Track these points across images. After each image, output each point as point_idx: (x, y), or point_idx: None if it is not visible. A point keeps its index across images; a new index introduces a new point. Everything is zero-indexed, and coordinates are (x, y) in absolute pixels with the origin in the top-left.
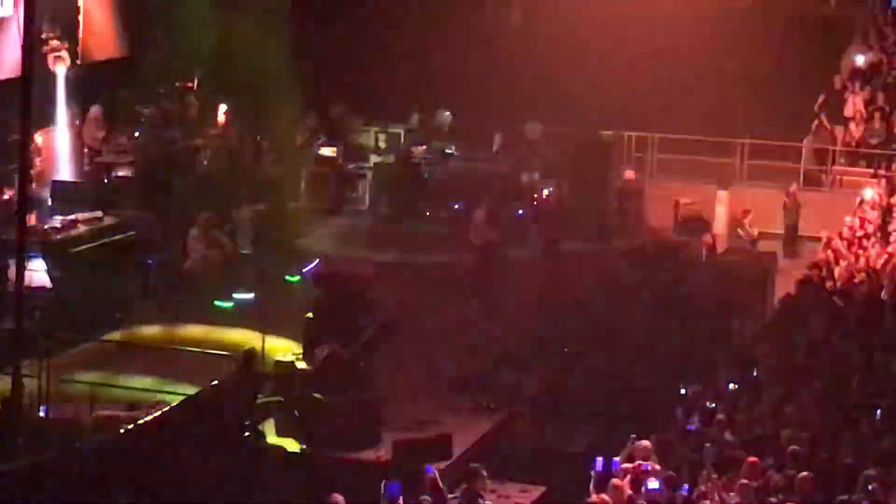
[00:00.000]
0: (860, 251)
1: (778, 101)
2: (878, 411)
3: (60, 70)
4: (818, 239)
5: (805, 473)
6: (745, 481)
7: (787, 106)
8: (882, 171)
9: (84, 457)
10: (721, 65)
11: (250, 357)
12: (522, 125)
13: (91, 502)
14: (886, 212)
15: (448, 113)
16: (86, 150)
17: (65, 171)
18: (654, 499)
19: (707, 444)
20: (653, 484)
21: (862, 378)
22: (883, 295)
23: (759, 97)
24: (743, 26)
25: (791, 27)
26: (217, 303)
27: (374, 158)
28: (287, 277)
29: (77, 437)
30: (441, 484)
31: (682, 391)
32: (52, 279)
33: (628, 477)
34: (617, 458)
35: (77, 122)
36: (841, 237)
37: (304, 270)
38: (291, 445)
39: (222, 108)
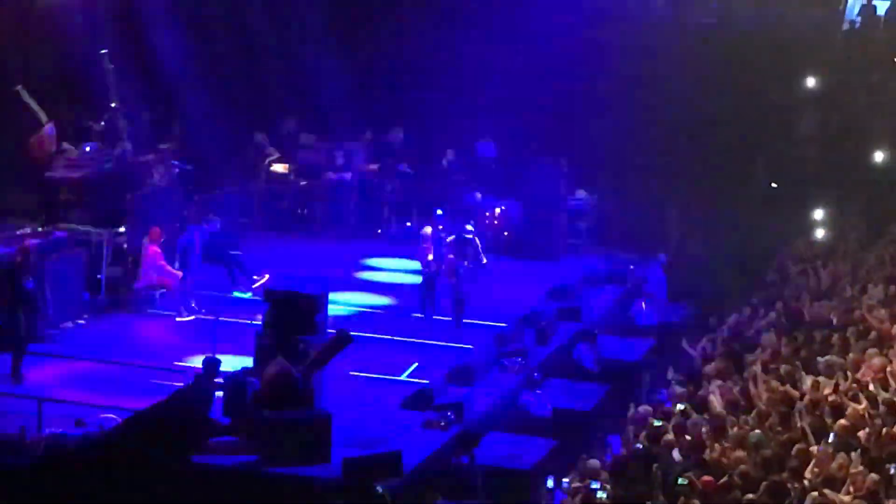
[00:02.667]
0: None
1: None
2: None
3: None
4: None
5: (751, 496)
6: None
7: None
8: None
9: (33, 475)
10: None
11: (211, 367)
12: (475, 143)
13: None
14: None
15: (401, 130)
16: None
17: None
18: None
19: (655, 465)
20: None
21: (811, 400)
22: (831, 315)
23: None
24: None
25: None
26: (235, 293)
27: (327, 175)
28: (235, 293)
29: (26, 454)
30: None
31: (632, 410)
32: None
33: (578, 496)
34: (566, 479)
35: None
36: None
37: (252, 287)
38: (240, 462)
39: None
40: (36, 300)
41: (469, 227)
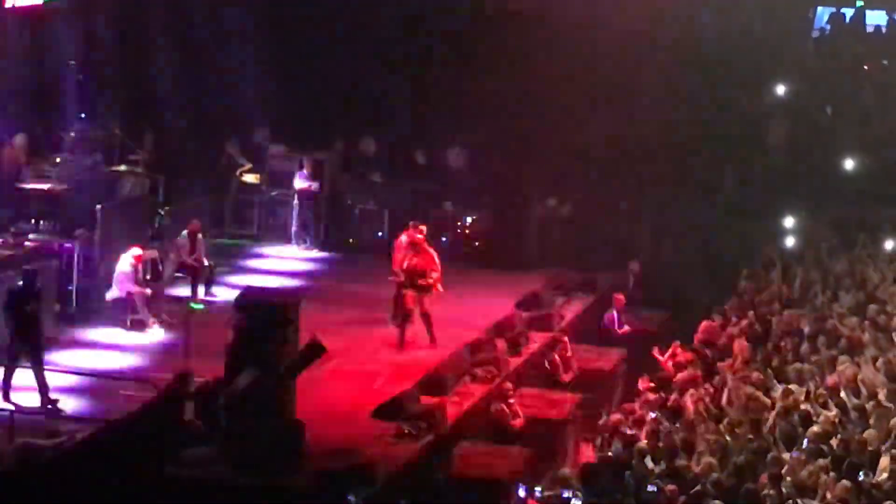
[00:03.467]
0: None
1: None
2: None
3: None
4: None
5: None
6: None
7: None
8: None
9: (3, 484)
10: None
11: (184, 379)
12: (445, 152)
13: None
14: None
15: (372, 140)
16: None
17: None
18: None
19: (627, 473)
20: None
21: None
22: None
23: None
24: None
25: None
26: (191, 304)
27: (297, 185)
28: (191, 305)
29: None
30: None
31: (604, 418)
32: None
33: None
34: (538, 487)
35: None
36: None
37: (207, 299)
38: (212, 472)
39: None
40: (38, 323)
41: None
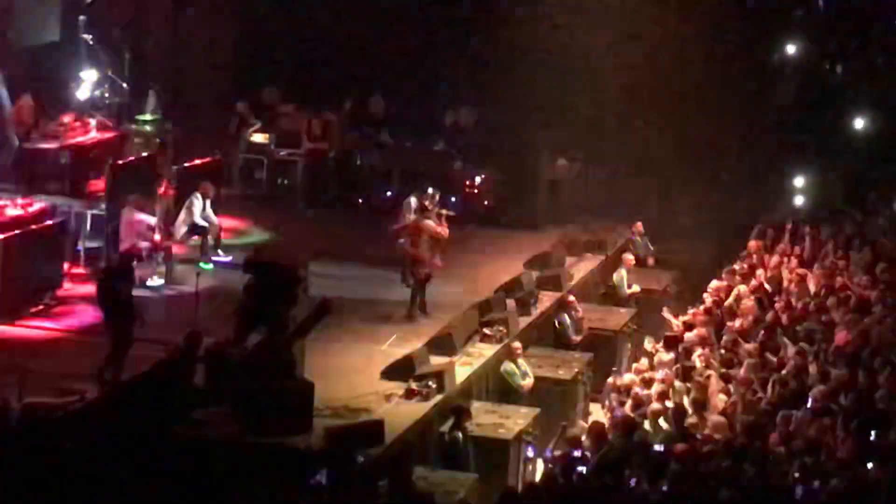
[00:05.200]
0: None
1: None
2: (809, 400)
3: None
4: None
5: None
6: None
7: None
8: None
9: (11, 443)
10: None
11: (193, 339)
12: (455, 110)
13: (22, 490)
14: None
15: (381, 99)
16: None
17: None
18: (584, 483)
19: (635, 433)
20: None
21: (791, 366)
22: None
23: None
24: None
25: None
26: (200, 265)
27: (306, 145)
28: (200, 265)
29: (5, 424)
30: None
31: (613, 378)
32: None
33: (559, 464)
34: (548, 447)
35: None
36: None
37: (216, 259)
38: (222, 432)
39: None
40: (132, 307)
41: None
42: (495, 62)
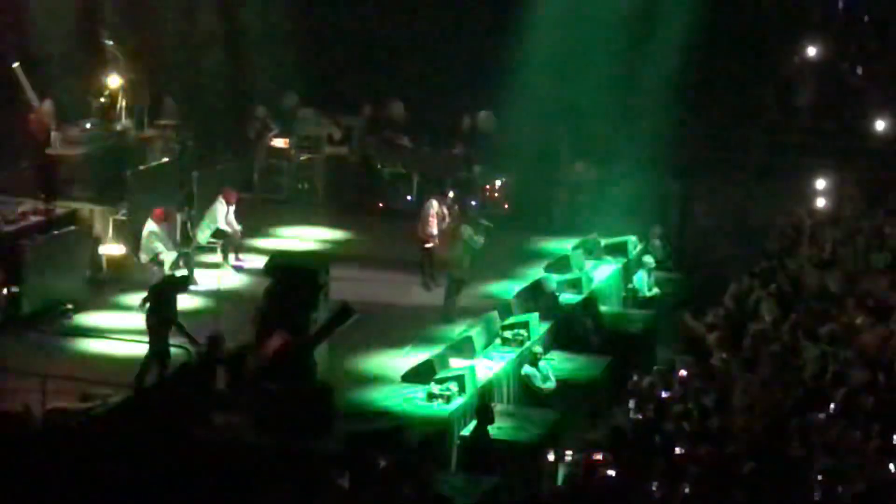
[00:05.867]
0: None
1: None
2: (831, 403)
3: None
4: None
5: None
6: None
7: None
8: None
9: (35, 448)
10: None
11: (215, 343)
12: (474, 115)
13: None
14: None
15: (400, 103)
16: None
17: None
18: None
19: (657, 435)
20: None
21: (812, 368)
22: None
23: None
24: None
25: None
26: (222, 269)
27: (326, 150)
28: (222, 269)
29: (28, 429)
30: None
31: (633, 381)
32: (2, 270)
33: (580, 468)
34: (569, 451)
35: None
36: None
37: (237, 264)
38: (242, 436)
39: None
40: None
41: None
42: (514, 66)
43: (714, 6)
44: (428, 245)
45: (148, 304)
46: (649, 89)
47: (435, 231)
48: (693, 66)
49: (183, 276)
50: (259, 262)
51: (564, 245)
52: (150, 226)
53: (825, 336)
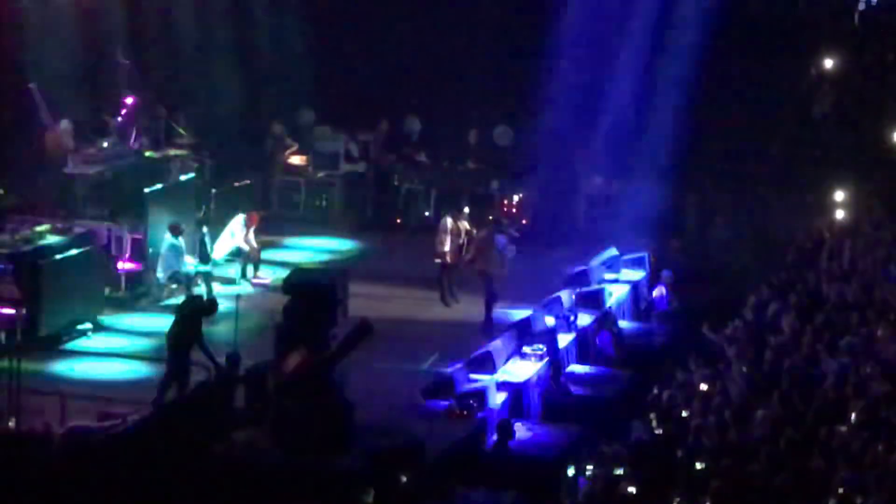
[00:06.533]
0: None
1: None
2: (852, 415)
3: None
4: None
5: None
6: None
7: None
8: None
9: (56, 468)
10: None
11: (235, 360)
12: (492, 130)
13: None
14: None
15: (416, 119)
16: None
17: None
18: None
19: (679, 450)
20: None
21: (833, 381)
22: (850, 298)
23: None
24: None
25: None
26: (240, 287)
27: (343, 167)
28: (240, 287)
29: (47, 449)
30: None
31: (654, 396)
32: (20, 290)
33: (600, 483)
34: (589, 466)
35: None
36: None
37: (256, 281)
38: (262, 454)
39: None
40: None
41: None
42: (531, 80)
43: (731, 19)
44: (437, 261)
45: (173, 323)
46: (666, 102)
47: (447, 248)
48: (710, 78)
49: (211, 300)
50: (277, 279)
51: (583, 259)
52: (169, 241)
53: (845, 348)
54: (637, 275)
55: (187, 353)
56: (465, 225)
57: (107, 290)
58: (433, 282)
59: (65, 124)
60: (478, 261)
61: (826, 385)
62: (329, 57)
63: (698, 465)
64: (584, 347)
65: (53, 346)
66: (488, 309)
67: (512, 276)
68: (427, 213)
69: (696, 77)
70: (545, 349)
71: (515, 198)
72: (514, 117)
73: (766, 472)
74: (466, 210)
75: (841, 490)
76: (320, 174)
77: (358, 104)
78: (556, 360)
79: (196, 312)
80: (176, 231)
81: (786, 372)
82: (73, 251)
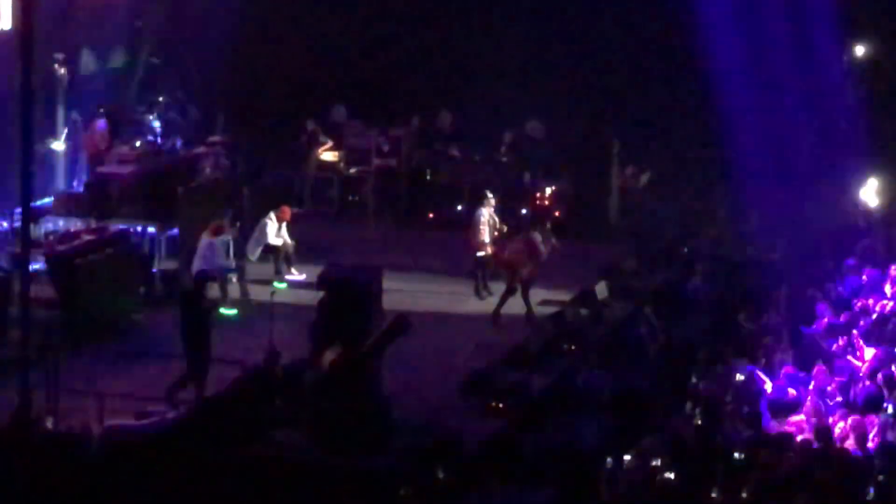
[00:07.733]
0: None
1: None
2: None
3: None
4: None
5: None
6: None
7: None
8: None
9: (94, 467)
10: None
11: (272, 358)
12: (525, 124)
13: None
14: None
15: (448, 113)
16: (87, 160)
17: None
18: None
19: (717, 440)
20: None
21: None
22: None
23: None
24: None
25: None
26: (275, 284)
27: (376, 162)
28: (275, 284)
29: (86, 448)
30: None
31: (691, 387)
32: (57, 290)
33: (638, 475)
34: (626, 458)
35: (80, 133)
36: None
37: (290, 278)
38: (300, 452)
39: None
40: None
41: None
42: (562, 73)
43: (761, 10)
44: (480, 253)
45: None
46: (701, 95)
47: (487, 239)
48: (743, 69)
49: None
50: (312, 275)
51: (615, 251)
52: (208, 239)
53: (882, 336)
54: (669, 266)
55: (208, 348)
56: (493, 214)
57: (143, 290)
58: (468, 275)
59: (100, 124)
60: (526, 265)
61: (863, 373)
62: (360, 53)
63: (737, 456)
64: (619, 340)
65: (90, 346)
66: (503, 301)
67: (545, 269)
68: (460, 207)
69: (728, 66)
70: (581, 342)
71: (548, 190)
72: (548, 109)
73: (801, 461)
74: (493, 202)
75: (881, 478)
76: (352, 170)
77: (389, 100)
78: (589, 352)
79: (205, 310)
80: (218, 230)
81: (821, 361)
82: (109, 251)
